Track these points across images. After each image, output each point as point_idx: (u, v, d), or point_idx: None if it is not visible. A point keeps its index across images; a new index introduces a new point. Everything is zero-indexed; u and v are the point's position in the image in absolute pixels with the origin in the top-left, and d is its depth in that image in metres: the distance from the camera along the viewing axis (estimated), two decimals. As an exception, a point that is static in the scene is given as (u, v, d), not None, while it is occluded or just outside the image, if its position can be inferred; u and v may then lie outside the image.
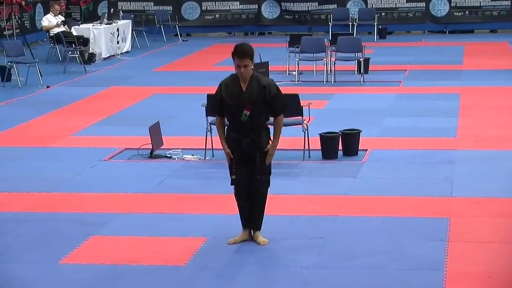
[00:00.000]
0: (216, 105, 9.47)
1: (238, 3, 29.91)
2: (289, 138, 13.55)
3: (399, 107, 17.12)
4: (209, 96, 13.01)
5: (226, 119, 9.44)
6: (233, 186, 9.56)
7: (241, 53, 9.11)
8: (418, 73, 21.05)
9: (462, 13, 29.10)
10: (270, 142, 9.45)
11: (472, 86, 19.13)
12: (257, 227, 9.62)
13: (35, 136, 15.13)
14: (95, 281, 8.59)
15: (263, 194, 9.59)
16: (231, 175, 9.50)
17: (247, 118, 9.20)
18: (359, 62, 20.23)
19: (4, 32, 25.24)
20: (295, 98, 13.35)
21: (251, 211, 9.58)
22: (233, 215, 10.62)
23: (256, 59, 19.69)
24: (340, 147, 13.35)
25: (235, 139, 9.36)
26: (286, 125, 13.31)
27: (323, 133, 13.37)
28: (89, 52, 23.62)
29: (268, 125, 9.49)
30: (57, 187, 11.89)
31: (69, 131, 15.29)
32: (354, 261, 9.10)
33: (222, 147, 9.55)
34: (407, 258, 9.16)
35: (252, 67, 9.26)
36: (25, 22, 27.40)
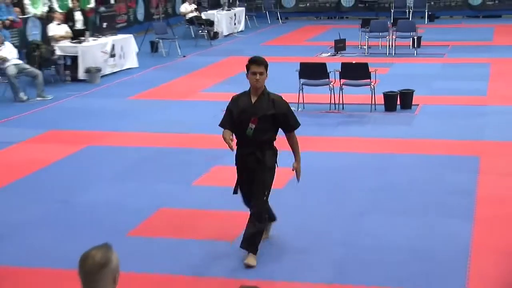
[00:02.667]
0: (226, 117, 7.12)
1: (323, -5, 29.69)
2: (360, 95, 13.48)
3: (443, 73, 16.82)
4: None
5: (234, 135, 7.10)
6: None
7: (258, 61, 7.04)
8: (459, 48, 20.63)
9: (493, 2, 28.33)
10: (276, 164, 7.13)
11: (500, 58, 18.65)
12: (252, 248, 6.94)
13: (175, 92, 15.31)
14: (220, 198, 8.71)
15: (262, 218, 6.98)
16: (235, 189, 7.23)
17: (253, 132, 6.89)
18: (413, 39, 19.93)
19: (154, 16, 25.50)
20: (365, 65, 13.26)
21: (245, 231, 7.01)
22: (319, 151, 10.66)
23: (336, 37, 19.66)
24: (399, 102, 13.21)
25: (240, 156, 7.09)
26: (357, 86, 13.29)
27: (386, 92, 13.25)
28: (214, 31, 23.70)
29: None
30: (191, 129, 12.04)
31: (199, 88, 15.43)
32: (408, 186, 9.06)
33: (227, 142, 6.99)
34: (447, 185, 9.08)
35: (265, 81, 7.13)
36: (168, 9, 27.57)
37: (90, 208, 8.56)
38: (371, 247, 7.28)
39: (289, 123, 7.12)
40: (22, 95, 14.53)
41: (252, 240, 6.87)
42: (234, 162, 7.17)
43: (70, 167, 10.17)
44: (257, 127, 6.89)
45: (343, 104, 13.20)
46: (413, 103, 13.30)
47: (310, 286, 6.46)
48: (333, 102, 13.13)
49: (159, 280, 6.63)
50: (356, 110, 13.15)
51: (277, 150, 7.11)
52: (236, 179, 7.18)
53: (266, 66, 7.04)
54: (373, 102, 13.07)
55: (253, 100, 7.02)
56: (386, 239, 7.47)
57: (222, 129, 7.03)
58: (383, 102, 13.12)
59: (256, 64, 7.00)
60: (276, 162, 7.13)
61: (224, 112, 7.17)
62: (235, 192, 7.23)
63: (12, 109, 13.83)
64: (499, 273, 6.66)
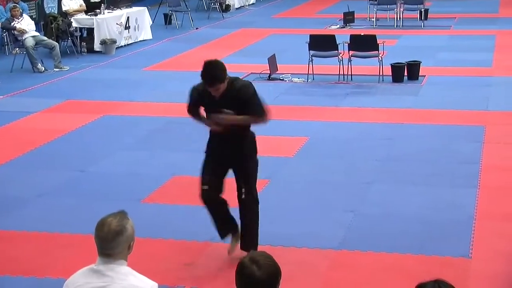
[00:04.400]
0: (192, 107, 6.14)
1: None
2: (368, 66, 13.41)
3: (450, 45, 16.71)
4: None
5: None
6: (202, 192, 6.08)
7: (210, 82, 5.72)
8: (464, 20, 20.47)
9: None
10: (256, 154, 6.16)
11: (506, 30, 18.48)
12: (252, 246, 6.09)
13: (188, 63, 15.26)
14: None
15: (254, 212, 6.17)
16: (202, 185, 6.05)
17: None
18: (421, 12, 19.79)
19: (166, -11, 25.40)
20: (373, 37, 13.20)
21: (242, 228, 6.22)
22: (328, 121, 10.63)
23: (345, 10, 19.52)
24: (406, 73, 13.15)
25: (213, 143, 6.10)
26: (366, 57, 13.21)
27: (393, 63, 13.18)
28: (226, 4, 23.56)
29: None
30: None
31: (211, 60, 15.35)
32: (414, 155, 9.04)
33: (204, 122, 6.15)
34: (453, 154, 9.06)
35: (226, 80, 5.75)
36: (181, -18, 27.46)
37: (106, 176, 8.59)
38: (379, 215, 7.28)
39: (252, 111, 5.87)
40: (39, 66, 14.54)
41: (254, 241, 6.19)
42: (206, 151, 6.17)
43: (86, 137, 10.19)
44: None
45: (351, 75, 13.15)
46: (420, 74, 13.24)
47: (319, 252, 6.47)
48: (342, 73, 13.08)
49: (173, 245, 6.65)
50: (364, 81, 13.09)
51: (255, 136, 6.16)
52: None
53: (221, 80, 5.70)
54: (381, 73, 13.01)
55: (217, 96, 5.83)
56: (393, 208, 7.46)
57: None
58: (390, 73, 13.06)
59: (208, 86, 5.76)
60: (256, 150, 6.15)
61: (189, 99, 6.10)
62: (204, 195, 6.07)
63: (30, 79, 13.84)
64: (503, 240, 6.65)
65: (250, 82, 6.07)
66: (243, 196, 6.09)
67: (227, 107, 5.84)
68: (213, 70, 5.75)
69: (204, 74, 5.77)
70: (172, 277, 6.07)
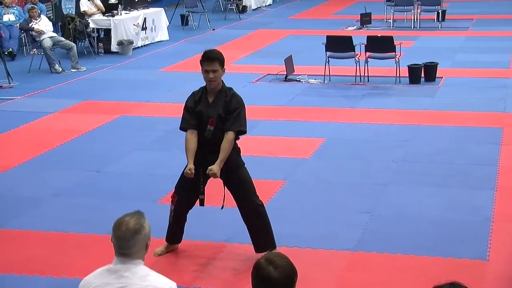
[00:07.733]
0: (186, 117, 6.13)
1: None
2: (385, 68, 13.38)
3: (467, 46, 16.62)
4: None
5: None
6: (174, 198, 6.46)
7: (210, 57, 5.99)
8: (482, 21, 20.37)
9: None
10: (243, 164, 6.24)
11: (523, 31, 18.42)
12: (269, 247, 6.14)
13: (204, 64, 15.25)
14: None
15: (261, 215, 6.20)
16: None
17: (211, 133, 6.01)
18: (438, 13, 19.72)
19: (183, -10, 25.42)
20: (390, 39, 13.16)
21: (253, 233, 6.27)
22: (345, 123, 10.62)
23: (362, 11, 19.47)
24: (423, 75, 13.10)
25: (199, 155, 6.04)
26: (382, 58, 13.17)
27: (410, 64, 13.13)
28: (243, 5, 23.57)
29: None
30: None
31: (228, 61, 15.20)
32: (431, 157, 9.00)
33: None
34: (470, 156, 9.01)
35: (222, 77, 6.12)
36: (198, -17, 27.46)
37: (122, 176, 8.61)
38: (395, 216, 7.25)
39: (231, 122, 5.96)
40: (57, 66, 14.61)
41: (268, 240, 6.22)
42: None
43: (103, 137, 10.23)
44: (215, 128, 5.99)
45: (368, 77, 13.11)
46: (437, 75, 13.20)
47: (335, 253, 6.46)
48: (359, 74, 13.05)
49: (189, 245, 6.65)
50: (381, 82, 13.06)
51: (239, 149, 6.25)
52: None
53: (221, 61, 5.98)
54: (397, 75, 12.97)
55: (210, 99, 6.06)
56: (410, 209, 7.43)
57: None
58: (407, 75, 13.02)
59: (208, 61, 5.96)
60: (242, 160, 6.23)
61: (183, 111, 6.17)
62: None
63: (47, 80, 13.91)
64: (520, 242, 6.61)
65: (241, 98, 6.16)
66: (246, 208, 6.18)
67: (215, 112, 6.00)
68: (214, 51, 6.09)
69: (204, 53, 6.04)
70: (188, 277, 6.08)
